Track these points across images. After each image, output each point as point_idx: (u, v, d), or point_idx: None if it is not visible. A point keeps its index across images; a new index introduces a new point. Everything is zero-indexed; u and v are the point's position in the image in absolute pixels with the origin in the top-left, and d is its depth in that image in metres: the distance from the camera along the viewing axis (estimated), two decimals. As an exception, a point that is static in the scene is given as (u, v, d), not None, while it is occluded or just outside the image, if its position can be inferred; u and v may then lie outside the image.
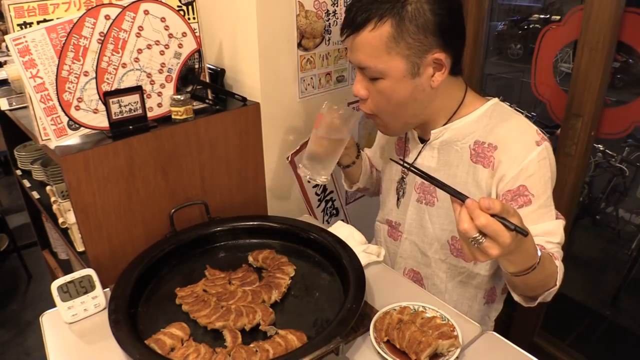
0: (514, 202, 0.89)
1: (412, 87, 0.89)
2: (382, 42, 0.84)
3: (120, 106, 0.99)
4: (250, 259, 1.04)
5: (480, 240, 0.66)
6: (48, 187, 1.43)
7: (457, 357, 0.77)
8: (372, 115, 0.97)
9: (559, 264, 0.86)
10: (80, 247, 1.19)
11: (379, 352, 0.79)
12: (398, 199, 1.10)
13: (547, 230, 0.89)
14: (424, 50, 0.85)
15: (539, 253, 0.76)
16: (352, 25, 0.86)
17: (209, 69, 1.19)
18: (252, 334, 0.84)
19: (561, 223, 0.92)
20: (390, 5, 0.82)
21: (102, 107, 0.98)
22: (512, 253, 0.70)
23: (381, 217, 1.19)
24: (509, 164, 0.89)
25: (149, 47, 1.00)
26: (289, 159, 1.33)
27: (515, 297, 0.90)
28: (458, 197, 0.70)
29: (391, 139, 1.15)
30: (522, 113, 2.34)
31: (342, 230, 1.13)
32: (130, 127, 1.01)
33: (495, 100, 0.96)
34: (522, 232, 0.66)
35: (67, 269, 1.70)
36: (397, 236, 1.13)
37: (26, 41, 0.87)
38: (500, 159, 0.90)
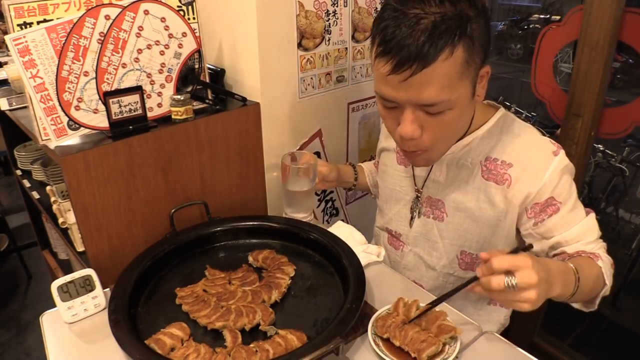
0: (544, 212, 0.90)
1: (472, 109, 0.85)
2: (457, 70, 0.74)
3: (120, 106, 0.99)
4: (250, 259, 1.04)
5: (513, 281, 0.68)
6: (48, 187, 1.43)
7: (456, 357, 0.77)
8: (418, 152, 0.85)
9: (601, 263, 0.86)
10: (80, 247, 1.19)
11: (377, 353, 0.79)
12: (412, 216, 1.07)
13: (582, 231, 0.90)
14: (480, 67, 0.79)
15: (572, 267, 0.79)
16: (421, 56, 0.71)
17: (209, 69, 1.19)
18: (252, 334, 0.84)
19: (593, 217, 0.92)
20: (456, 25, 0.71)
21: (102, 107, 0.98)
22: (549, 276, 0.72)
23: (381, 224, 1.18)
24: (530, 181, 0.88)
25: (149, 47, 1.00)
26: (289, 159, 1.33)
27: (576, 306, 0.90)
28: (470, 283, 0.75)
29: (390, 149, 1.11)
30: (522, 113, 2.35)
31: (342, 230, 1.13)
32: (130, 127, 1.01)
33: (502, 111, 0.95)
34: (524, 248, 0.73)
35: (67, 269, 1.70)
36: (399, 246, 1.12)
37: (26, 41, 0.87)
38: (517, 177, 0.89)
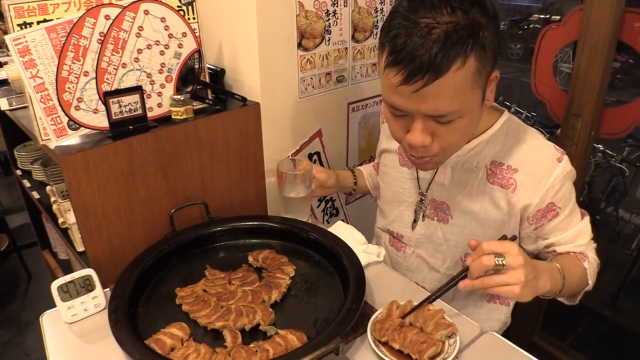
0: (544, 218, 0.92)
1: (481, 114, 0.84)
2: (469, 79, 0.73)
3: (120, 106, 0.99)
4: (250, 259, 1.04)
5: (502, 260, 0.73)
6: (48, 187, 1.43)
7: (456, 356, 0.77)
8: (427, 157, 0.85)
9: (587, 264, 0.92)
10: (80, 247, 1.19)
11: (377, 353, 0.79)
12: (415, 218, 1.07)
13: (576, 234, 0.94)
14: (490, 73, 0.78)
15: (558, 266, 0.85)
16: (433, 67, 0.70)
17: (209, 69, 1.19)
18: (252, 334, 0.84)
19: (587, 220, 0.97)
20: (468, 34, 0.70)
21: (102, 107, 0.98)
22: (535, 266, 0.77)
23: (382, 225, 1.18)
24: (535, 186, 0.89)
25: (149, 47, 1.00)
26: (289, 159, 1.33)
27: (559, 298, 0.94)
28: (461, 276, 0.79)
29: (391, 150, 1.11)
30: (522, 113, 2.35)
31: (342, 230, 1.13)
32: (130, 127, 1.01)
33: (507, 114, 0.95)
34: (510, 238, 0.78)
35: (67, 269, 1.70)
36: (401, 247, 1.12)
37: (26, 41, 0.87)
38: (522, 182, 0.90)
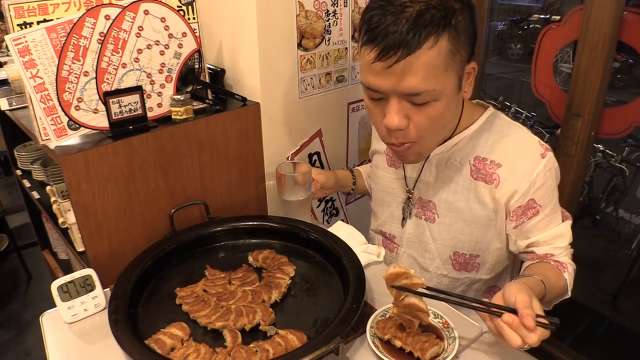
0: (524, 215, 0.91)
1: (457, 103, 0.85)
2: (442, 60, 0.75)
3: (120, 106, 0.99)
4: (250, 259, 1.04)
5: (527, 347, 0.69)
6: (48, 187, 1.43)
7: (456, 356, 0.77)
8: (407, 145, 0.85)
9: (567, 275, 0.90)
10: (80, 247, 1.19)
11: (376, 354, 0.78)
12: (404, 216, 1.07)
13: (556, 235, 0.93)
14: (466, 61, 0.81)
15: (543, 283, 0.82)
16: (405, 43, 0.72)
17: (209, 69, 1.19)
18: (252, 334, 0.84)
19: (568, 224, 0.95)
20: (441, 15, 0.73)
21: (102, 107, 0.98)
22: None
23: (375, 227, 1.18)
24: (518, 181, 0.89)
25: (149, 47, 1.00)
26: (289, 159, 1.33)
27: None
28: (492, 313, 0.71)
29: (380, 151, 1.12)
30: (522, 113, 2.34)
31: (342, 230, 1.13)
32: (130, 127, 1.01)
33: (491, 110, 0.95)
34: (553, 326, 0.69)
35: (67, 269, 1.70)
36: (393, 248, 1.12)
37: (26, 41, 0.87)
38: (505, 177, 0.90)
